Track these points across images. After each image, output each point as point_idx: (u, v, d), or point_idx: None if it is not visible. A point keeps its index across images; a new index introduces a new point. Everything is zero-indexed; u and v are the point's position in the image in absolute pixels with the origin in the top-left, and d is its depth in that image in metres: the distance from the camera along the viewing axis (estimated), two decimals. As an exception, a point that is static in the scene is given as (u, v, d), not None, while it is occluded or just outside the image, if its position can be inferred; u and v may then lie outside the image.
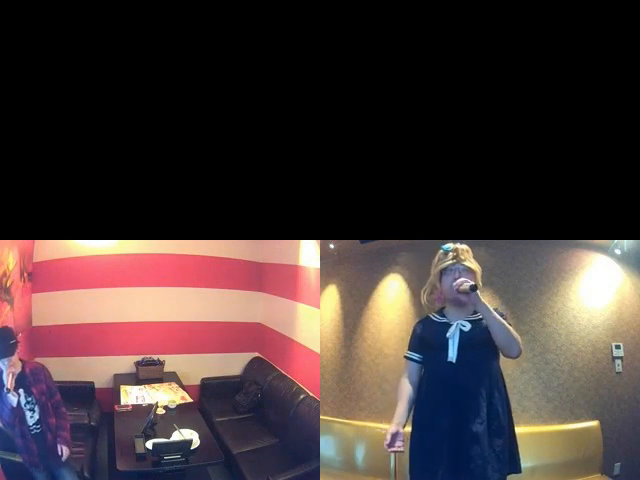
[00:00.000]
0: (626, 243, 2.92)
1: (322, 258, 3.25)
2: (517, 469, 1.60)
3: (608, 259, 2.95)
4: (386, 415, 3.22)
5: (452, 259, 1.64)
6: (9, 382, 2.08)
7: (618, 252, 2.94)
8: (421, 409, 1.64)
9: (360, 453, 3.18)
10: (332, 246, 3.55)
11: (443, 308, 1.71)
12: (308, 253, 3.43)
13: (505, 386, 1.63)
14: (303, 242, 3.50)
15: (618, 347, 2.84)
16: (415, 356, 1.70)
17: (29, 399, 2.17)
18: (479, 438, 1.50)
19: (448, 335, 1.60)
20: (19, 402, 2.11)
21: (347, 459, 3.20)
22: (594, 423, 2.73)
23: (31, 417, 2.17)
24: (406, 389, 1.68)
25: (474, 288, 1.53)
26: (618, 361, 2.83)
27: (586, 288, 2.92)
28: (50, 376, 2.30)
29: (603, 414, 2.76)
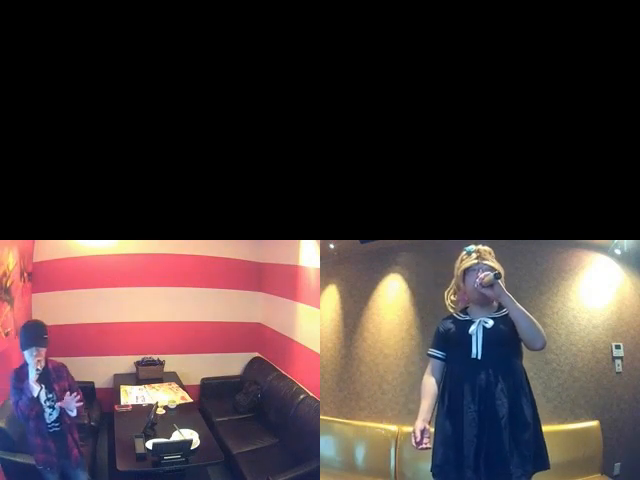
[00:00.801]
0: (626, 243, 2.92)
1: (322, 258, 3.25)
2: (545, 465, 1.60)
3: (608, 259, 2.95)
4: (386, 415, 3.23)
5: (475, 259, 1.66)
6: (34, 372, 2.07)
7: (618, 252, 2.94)
8: (445, 406, 1.64)
9: (360, 453, 3.17)
10: (332, 246, 3.55)
11: (466, 307, 1.72)
12: (308, 253, 3.43)
13: (529, 383, 1.63)
14: (303, 242, 3.50)
15: (618, 347, 2.84)
16: (438, 354, 1.72)
17: (50, 396, 2.15)
18: (501, 434, 1.51)
19: (471, 332, 1.62)
20: (39, 397, 2.09)
21: (347, 459, 3.20)
22: (594, 423, 2.73)
23: (50, 414, 2.15)
24: (430, 385, 1.69)
25: (498, 276, 1.56)
26: (618, 361, 2.83)
27: (586, 288, 2.92)
28: (71, 375, 2.30)
29: (603, 414, 2.76)
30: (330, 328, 3.67)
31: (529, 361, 2.85)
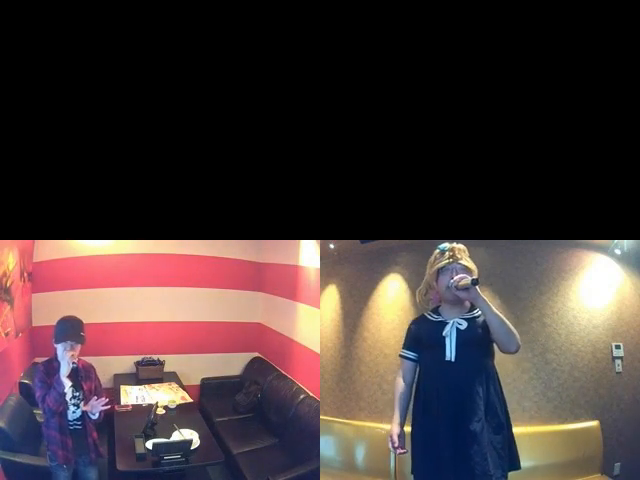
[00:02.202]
0: (626, 243, 2.92)
1: (322, 258, 3.25)
2: (517, 466, 1.60)
3: (608, 259, 2.95)
4: (386, 415, 3.23)
5: (449, 258, 1.64)
6: (67, 367, 2.06)
7: (618, 252, 2.94)
8: (420, 408, 1.64)
9: (360, 453, 3.18)
10: (332, 246, 3.55)
11: (438, 307, 1.71)
12: (308, 253, 3.43)
13: (500, 383, 1.64)
14: (303, 242, 3.50)
15: (618, 347, 2.84)
16: (410, 355, 1.71)
17: (76, 394, 2.15)
18: (478, 436, 1.51)
19: (445, 333, 1.60)
20: (66, 392, 2.08)
21: (347, 459, 3.20)
22: (594, 423, 2.73)
23: (73, 412, 2.15)
24: (403, 388, 1.69)
25: (475, 282, 1.53)
26: (618, 361, 2.83)
27: (586, 288, 2.92)
28: (98, 377, 2.32)
29: (603, 414, 2.76)
30: (330, 328, 3.67)
31: (529, 361, 2.88)
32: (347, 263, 3.70)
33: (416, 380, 1.70)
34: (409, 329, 1.74)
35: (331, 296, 3.73)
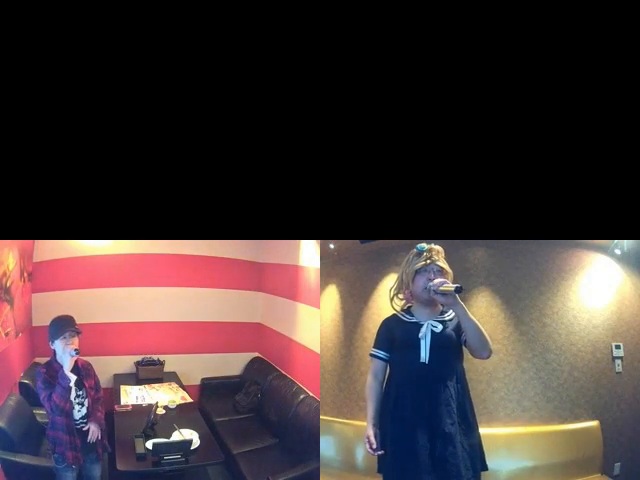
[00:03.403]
0: (626, 243, 2.92)
1: (322, 258, 3.25)
2: (484, 467, 1.61)
3: (608, 259, 2.96)
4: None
5: (426, 259, 1.64)
6: (70, 357, 2.06)
7: (618, 252, 2.94)
8: (391, 409, 1.62)
9: (360, 453, 3.17)
10: (332, 246, 3.55)
11: (409, 307, 1.71)
12: (308, 253, 3.43)
13: (468, 385, 1.64)
14: (303, 242, 3.50)
15: (618, 347, 2.84)
16: (382, 354, 1.69)
17: (79, 392, 2.16)
18: (452, 438, 1.51)
19: (420, 335, 1.60)
20: (71, 387, 2.08)
21: (347, 459, 3.20)
22: (594, 423, 2.73)
23: (79, 411, 2.15)
24: (375, 388, 1.68)
25: (459, 290, 1.52)
26: (618, 361, 2.83)
27: (586, 288, 2.92)
28: (96, 374, 2.32)
29: (603, 414, 2.76)
30: (330, 328, 3.67)
31: (529, 361, 2.88)
32: (347, 263, 3.70)
33: (385, 380, 1.69)
34: (381, 328, 1.73)
35: (331, 296, 3.73)
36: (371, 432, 1.61)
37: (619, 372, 2.82)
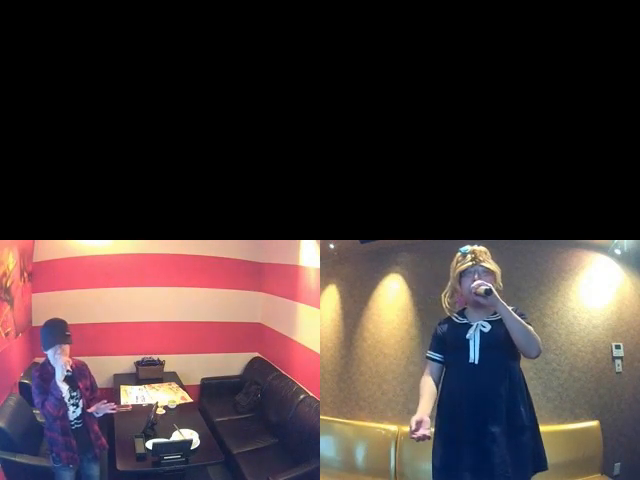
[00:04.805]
0: (626, 243, 2.92)
1: (322, 258, 3.25)
2: (544, 466, 1.61)
3: (608, 259, 2.95)
4: (386, 415, 3.23)
5: (470, 261, 1.65)
6: (62, 373, 2.06)
7: (618, 252, 2.94)
8: (443, 409, 1.64)
9: (360, 453, 3.17)
10: (332, 246, 3.55)
11: (464, 309, 1.71)
12: (308, 253, 3.43)
13: (526, 385, 1.64)
14: (303, 242, 3.50)
15: (618, 347, 2.84)
16: (436, 356, 1.71)
17: (74, 394, 2.16)
18: (498, 438, 1.51)
19: (468, 336, 1.61)
20: (64, 396, 2.08)
21: (347, 459, 3.20)
22: (594, 423, 2.73)
23: (73, 412, 2.16)
24: (428, 386, 1.68)
25: (489, 292, 1.53)
26: (618, 361, 2.83)
27: (586, 288, 2.92)
28: (91, 373, 2.32)
29: (603, 414, 2.76)
30: (330, 328, 3.67)
31: (529, 361, 2.87)
32: (347, 263, 3.70)
33: (441, 383, 1.70)
34: (435, 331, 1.75)
35: (331, 296, 3.73)
36: (415, 417, 1.56)
37: (619, 372, 2.82)
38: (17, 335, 3.09)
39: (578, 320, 2.88)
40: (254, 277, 4.32)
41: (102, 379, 3.73)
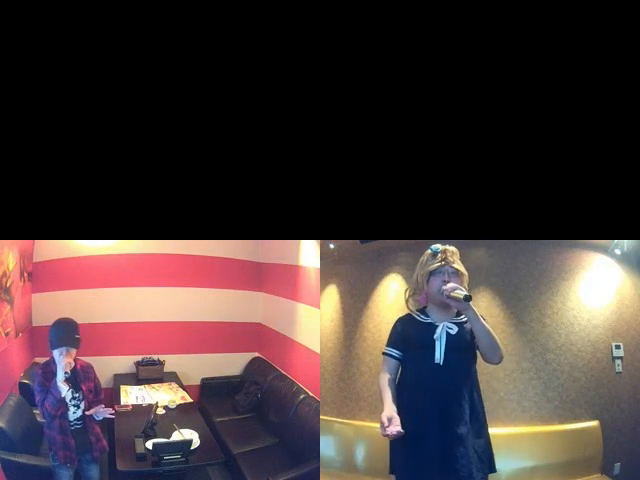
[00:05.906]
0: (626, 243, 2.92)
1: (322, 258, 3.25)
2: (493, 469, 1.61)
3: (608, 259, 2.95)
4: (386, 415, 3.23)
5: (441, 261, 1.64)
6: (63, 374, 2.06)
7: (618, 252, 2.94)
8: (404, 410, 1.59)
9: (360, 453, 3.18)
10: (332, 246, 3.55)
11: (425, 307, 1.70)
12: (308, 253, 3.43)
13: (480, 387, 1.64)
14: (303, 242, 3.50)
15: (618, 347, 2.84)
16: (395, 353, 1.68)
17: (76, 395, 2.16)
18: (463, 439, 1.51)
19: (435, 337, 1.60)
20: (64, 397, 2.09)
21: (347, 459, 3.20)
22: (594, 423, 2.73)
23: (74, 413, 2.16)
24: (389, 383, 1.64)
25: (468, 299, 1.52)
26: (618, 361, 2.83)
27: (586, 288, 2.92)
28: (97, 376, 2.32)
29: (603, 414, 2.76)
30: (330, 328, 3.67)
31: (529, 361, 2.89)
32: (347, 263, 3.70)
33: (398, 380, 1.68)
34: (395, 327, 1.72)
35: (331, 296, 3.73)
36: (386, 414, 1.52)
37: (619, 372, 2.82)
38: (17, 335, 3.09)
39: (578, 320, 2.88)
40: (254, 277, 4.32)
41: (102, 379, 3.69)
